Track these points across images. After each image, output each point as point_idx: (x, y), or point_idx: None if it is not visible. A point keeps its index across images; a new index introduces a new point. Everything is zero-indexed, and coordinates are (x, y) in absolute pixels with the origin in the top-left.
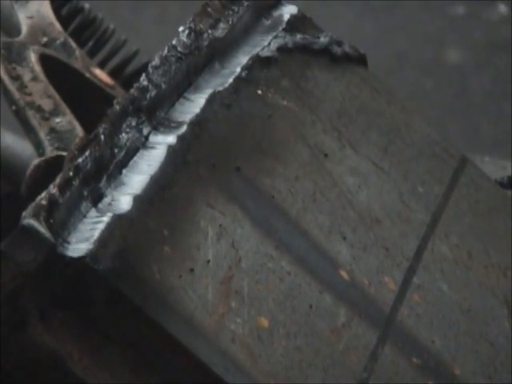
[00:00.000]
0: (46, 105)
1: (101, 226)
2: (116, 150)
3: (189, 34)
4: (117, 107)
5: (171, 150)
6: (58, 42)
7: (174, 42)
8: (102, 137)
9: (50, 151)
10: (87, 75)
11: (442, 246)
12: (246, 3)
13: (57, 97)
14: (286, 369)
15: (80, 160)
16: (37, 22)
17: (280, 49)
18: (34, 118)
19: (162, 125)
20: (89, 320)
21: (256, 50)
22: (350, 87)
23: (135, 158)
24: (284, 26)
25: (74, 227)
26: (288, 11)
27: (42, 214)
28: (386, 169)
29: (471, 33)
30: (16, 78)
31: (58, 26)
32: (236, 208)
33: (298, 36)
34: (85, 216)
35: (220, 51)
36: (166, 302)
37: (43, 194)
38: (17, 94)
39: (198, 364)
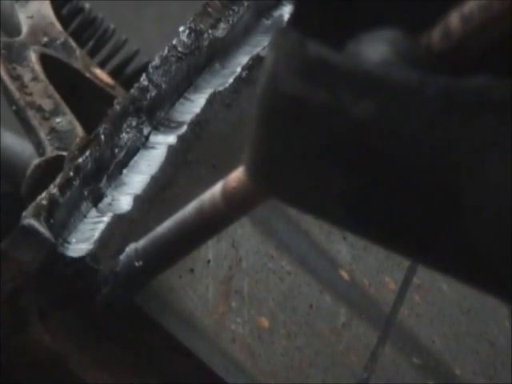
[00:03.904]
0: (46, 105)
1: (101, 226)
2: (116, 150)
3: (189, 33)
4: (117, 107)
5: (171, 150)
6: (58, 41)
7: (174, 42)
8: (103, 137)
9: (51, 151)
10: (87, 75)
11: None
12: (246, 3)
13: (57, 97)
14: (286, 369)
15: (80, 160)
16: (37, 22)
17: None
18: (34, 118)
19: (163, 125)
20: (89, 320)
21: (256, 50)
22: None
23: (135, 158)
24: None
25: (75, 227)
26: (288, 11)
27: (43, 214)
28: None
29: None
30: (16, 78)
31: (58, 25)
32: None
33: None
34: (85, 216)
35: (220, 51)
36: (166, 301)
37: (43, 194)
38: (17, 94)
39: (198, 364)
